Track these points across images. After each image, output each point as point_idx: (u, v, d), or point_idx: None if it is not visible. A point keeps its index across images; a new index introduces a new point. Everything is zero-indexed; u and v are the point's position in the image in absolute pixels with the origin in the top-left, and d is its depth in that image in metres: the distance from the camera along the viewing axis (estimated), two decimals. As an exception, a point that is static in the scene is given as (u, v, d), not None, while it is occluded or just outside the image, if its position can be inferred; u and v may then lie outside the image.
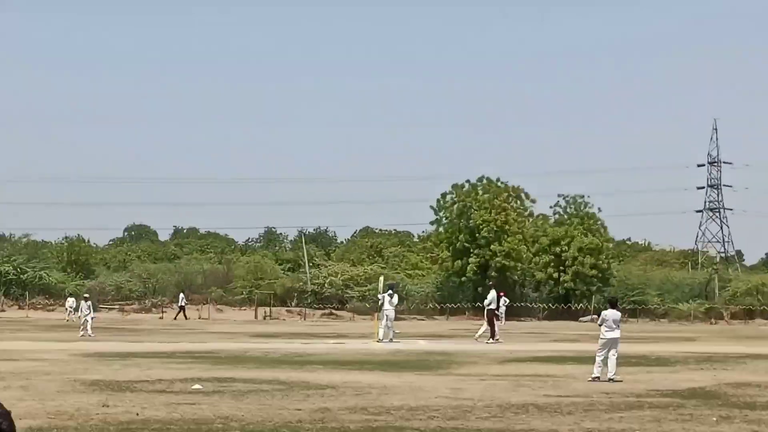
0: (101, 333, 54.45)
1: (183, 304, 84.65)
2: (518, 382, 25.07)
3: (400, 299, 57.68)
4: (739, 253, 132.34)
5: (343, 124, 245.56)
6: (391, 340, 45.53)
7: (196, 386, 23.26)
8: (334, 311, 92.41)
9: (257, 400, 20.36)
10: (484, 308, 51.18)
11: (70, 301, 79.56)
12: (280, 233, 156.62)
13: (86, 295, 61.51)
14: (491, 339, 46.27)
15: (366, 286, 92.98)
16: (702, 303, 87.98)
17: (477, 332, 48.92)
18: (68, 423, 16.33)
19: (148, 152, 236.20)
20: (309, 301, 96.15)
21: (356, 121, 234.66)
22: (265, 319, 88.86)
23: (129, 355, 36.20)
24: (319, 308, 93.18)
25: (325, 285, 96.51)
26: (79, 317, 58.52)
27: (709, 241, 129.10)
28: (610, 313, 26.13)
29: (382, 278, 55.35)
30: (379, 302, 49.03)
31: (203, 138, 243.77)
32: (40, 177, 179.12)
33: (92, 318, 55.30)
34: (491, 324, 47.94)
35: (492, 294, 50.04)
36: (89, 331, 53.00)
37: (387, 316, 47.30)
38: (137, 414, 17.61)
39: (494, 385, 24.30)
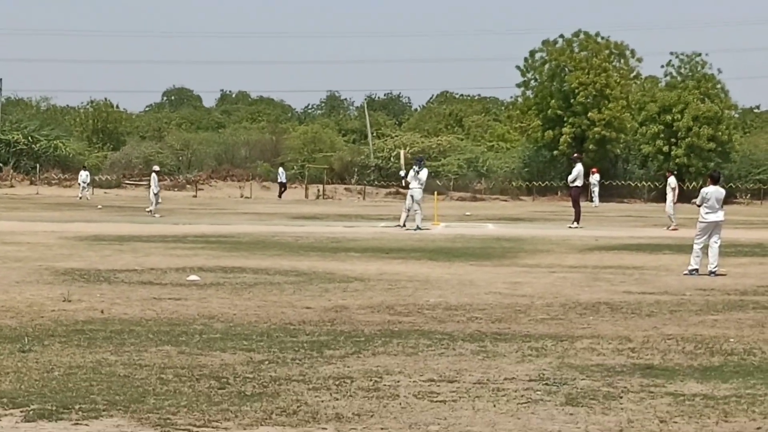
0: (112, 212, 55.71)
1: (282, 180, 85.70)
2: (595, 275, 25.19)
3: (480, 176, 57.56)
4: None
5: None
6: (418, 228, 44.82)
7: (193, 277, 23.77)
8: (401, 190, 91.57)
9: (261, 295, 20.67)
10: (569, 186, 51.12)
11: (83, 176, 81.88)
12: (345, 99, 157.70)
13: (156, 168, 63.13)
14: (574, 223, 46.43)
15: (440, 160, 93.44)
16: None
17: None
18: (8, 322, 16.58)
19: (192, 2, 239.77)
20: (371, 178, 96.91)
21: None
22: (318, 198, 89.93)
23: (130, 239, 37.51)
24: (382, 186, 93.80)
25: (391, 159, 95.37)
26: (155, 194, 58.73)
27: None
28: (713, 191, 25.63)
29: (402, 153, 55.61)
30: (404, 181, 49.06)
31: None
32: (62, 30, 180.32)
33: (155, 194, 57.22)
34: (576, 205, 48.08)
35: (578, 168, 49.89)
36: (154, 211, 55.80)
37: (412, 196, 46.33)
38: (101, 311, 17.85)
39: (564, 278, 24.41)
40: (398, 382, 11.61)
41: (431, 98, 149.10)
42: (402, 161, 51.56)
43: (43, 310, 17.88)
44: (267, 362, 12.98)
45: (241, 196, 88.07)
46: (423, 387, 11.27)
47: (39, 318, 16.94)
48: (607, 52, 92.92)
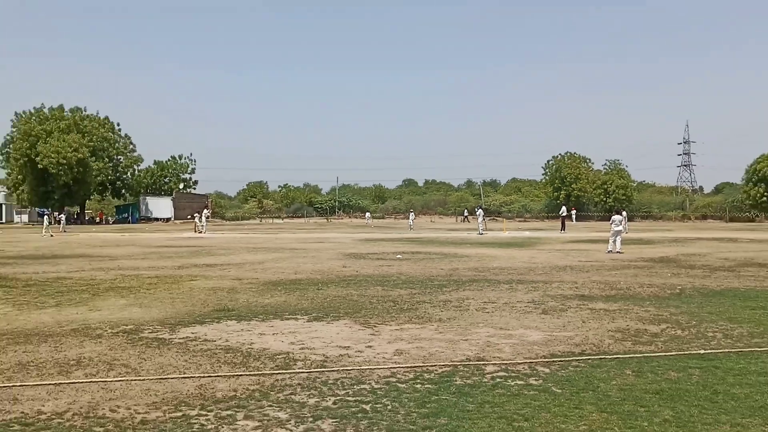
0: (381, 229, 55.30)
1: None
2: (567, 253, 25.50)
3: (526, 211, 56.82)
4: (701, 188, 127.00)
5: None
6: (480, 233, 44.74)
7: (399, 256, 24.12)
8: (470, 218, 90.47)
9: (424, 263, 21.14)
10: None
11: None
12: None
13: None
14: (562, 231, 47.24)
15: (510, 204, 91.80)
16: (679, 211, 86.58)
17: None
18: (314, 276, 17.40)
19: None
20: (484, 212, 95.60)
21: None
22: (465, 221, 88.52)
23: (379, 240, 36.73)
24: (488, 216, 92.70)
25: (479, 207, 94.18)
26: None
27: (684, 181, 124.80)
28: (616, 217, 26.59)
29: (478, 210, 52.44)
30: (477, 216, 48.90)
31: None
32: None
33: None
34: (563, 223, 50.68)
35: (563, 209, 53.79)
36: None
37: (479, 220, 47.43)
38: (356, 271, 18.59)
39: (552, 254, 24.85)
40: (470, 303, 12.42)
41: (507, 181, 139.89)
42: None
43: (333, 271, 18.57)
44: (416, 294, 13.64)
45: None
46: (480, 305, 12.12)
47: (331, 275, 17.59)
48: (579, 161, 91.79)
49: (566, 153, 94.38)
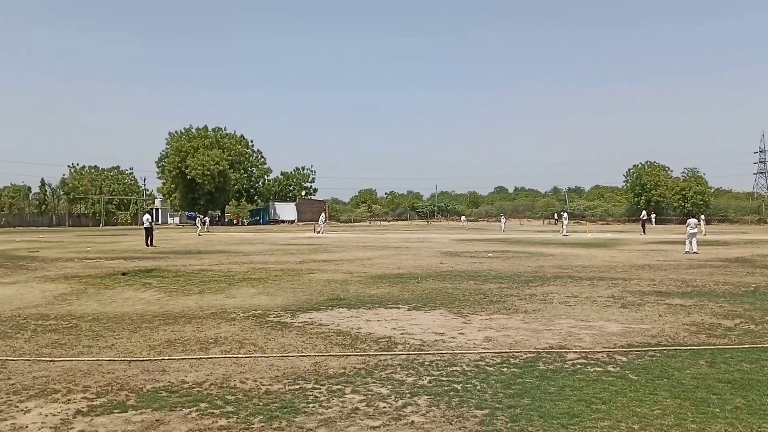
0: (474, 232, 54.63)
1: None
2: (645, 253, 24.33)
3: (609, 215, 54.62)
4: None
5: None
6: (563, 234, 43.19)
7: (490, 254, 23.74)
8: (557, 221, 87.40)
9: (513, 261, 20.66)
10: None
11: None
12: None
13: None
14: (641, 233, 44.82)
15: (594, 209, 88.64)
16: (755, 215, 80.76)
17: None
18: (414, 271, 17.34)
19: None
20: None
21: None
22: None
23: (474, 241, 36.41)
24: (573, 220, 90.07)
25: (564, 211, 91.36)
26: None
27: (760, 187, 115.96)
28: (692, 221, 25.19)
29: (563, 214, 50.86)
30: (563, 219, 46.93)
31: None
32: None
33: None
34: (643, 226, 48.20)
35: (644, 212, 52.28)
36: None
37: (564, 222, 45.80)
38: (452, 267, 18.43)
39: (632, 254, 23.79)
40: (554, 296, 12.08)
41: (591, 188, 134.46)
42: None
43: (431, 267, 18.44)
44: (504, 288, 13.37)
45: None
46: (563, 299, 11.77)
47: (429, 270, 17.49)
48: (658, 169, 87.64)
49: (646, 162, 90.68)
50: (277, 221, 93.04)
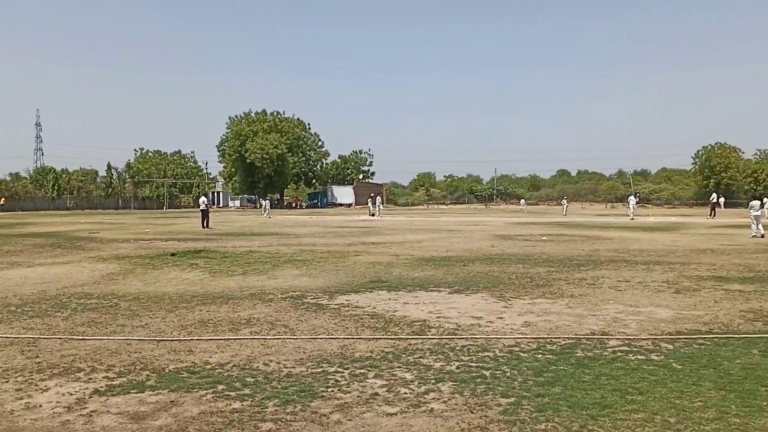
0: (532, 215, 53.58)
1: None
2: (710, 237, 23.36)
3: (676, 198, 52.79)
4: None
5: None
6: (631, 218, 41.23)
7: (545, 238, 23.14)
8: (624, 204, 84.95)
9: (567, 245, 20.10)
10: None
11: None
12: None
13: None
14: (709, 216, 42.91)
15: (660, 192, 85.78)
16: None
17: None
18: (462, 254, 17.02)
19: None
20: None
21: None
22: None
23: (529, 224, 35.52)
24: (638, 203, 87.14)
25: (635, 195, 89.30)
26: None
27: None
28: (755, 203, 24.21)
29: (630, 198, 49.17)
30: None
31: None
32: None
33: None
34: (712, 209, 46.16)
35: (714, 195, 49.10)
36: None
37: (631, 207, 43.48)
38: (502, 250, 18.00)
39: (695, 238, 22.88)
40: (604, 281, 11.63)
41: (657, 171, 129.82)
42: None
43: (480, 250, 18.11)
44: (553, 272, 12.97)
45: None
46: (614, 284, 11.31)
47: (478, 253, 17.13)
48: (729, 151, 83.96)
49: (716, 143, 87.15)
50: (334, 204, 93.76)
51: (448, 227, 31.57)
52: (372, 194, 61.02)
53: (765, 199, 37.68)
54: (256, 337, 7.15)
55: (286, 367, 5.90)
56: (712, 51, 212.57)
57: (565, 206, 57.77)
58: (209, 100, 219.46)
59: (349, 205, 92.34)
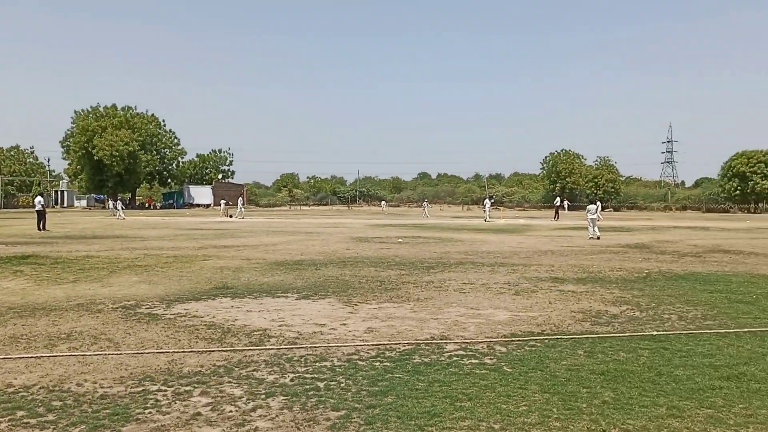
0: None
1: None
2: (552, 239, 24.77)
3: (526, 201, 55.83)
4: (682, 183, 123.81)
5: None
6: (486, 220, 43.39)
7: (400, 240, 23.28)
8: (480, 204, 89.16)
9: (420, 247, 20.13)
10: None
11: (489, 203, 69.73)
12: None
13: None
14: (553, 220, 45.82)
15: (511, 195, 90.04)
16: (662, 203, 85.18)
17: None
18: (316, 257, 16.79)
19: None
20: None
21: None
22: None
23: (389, 226, 35.81)
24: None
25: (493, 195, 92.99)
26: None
27: (667, 176, 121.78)
28: (591, 207, 26.10)
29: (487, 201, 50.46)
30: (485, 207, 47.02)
31: None
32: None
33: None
34: (556, 212, 49.07)
35: (557, 199, 53.11)
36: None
37: (487, 210, 45.94)
38: (357, 253, 17.91)
39: (538, 240, 24.14)
40: (450, 283, 11.85)
41: (510, 175, 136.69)
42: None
43: (335, 253, 17.81)
44: (404, 274, 13.07)
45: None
46: (459, 286, 11.55)
47: (333, 256, 16.82)
48: (573, 157, 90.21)
49: (562, 150, 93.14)
50: (192, 205, 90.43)
51: (308, 229, 31.29)
52: (233, 197, 59.41)
53: (598, 203, 40.94)
54: (73, 353, 6.52)
55: (102, 387, 5.39)
56: (567, 64, 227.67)
57: (425, 208, 59.07)
58: (52, 94, 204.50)
59: (207, 205, 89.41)
